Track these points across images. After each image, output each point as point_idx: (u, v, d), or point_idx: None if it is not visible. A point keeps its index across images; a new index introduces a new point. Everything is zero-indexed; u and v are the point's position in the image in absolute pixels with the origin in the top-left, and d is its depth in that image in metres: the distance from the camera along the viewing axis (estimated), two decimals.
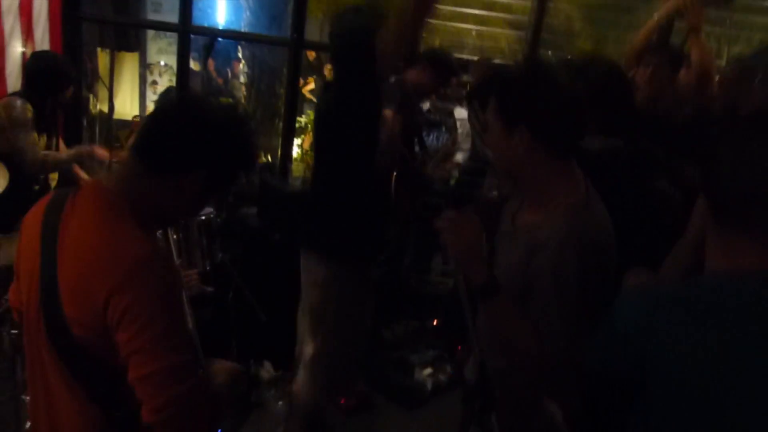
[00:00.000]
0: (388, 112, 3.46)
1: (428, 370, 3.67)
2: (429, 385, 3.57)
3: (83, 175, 3.56)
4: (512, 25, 4.86)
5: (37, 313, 1.29)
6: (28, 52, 3.89)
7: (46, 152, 3.32)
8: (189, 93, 3.66)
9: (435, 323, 4.23)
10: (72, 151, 3.47)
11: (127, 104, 6.68)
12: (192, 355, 1.28)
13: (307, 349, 2.62)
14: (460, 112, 4.71)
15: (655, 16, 2.83)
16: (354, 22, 2.45)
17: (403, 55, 2.55)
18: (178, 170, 1.32)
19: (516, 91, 1.54)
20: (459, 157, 4.66)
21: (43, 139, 3.37)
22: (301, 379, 2.68)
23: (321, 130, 2.63)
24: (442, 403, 3.47)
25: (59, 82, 3.34)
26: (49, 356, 1.30)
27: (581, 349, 1.28)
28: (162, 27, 6.41)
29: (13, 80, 4.01)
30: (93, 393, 1.29)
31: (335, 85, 2.59)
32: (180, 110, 1.38)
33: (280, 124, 5.30)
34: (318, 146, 2.68)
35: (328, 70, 7.18)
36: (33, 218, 1.37)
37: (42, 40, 4.24)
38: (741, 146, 1.06)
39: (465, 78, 4.70)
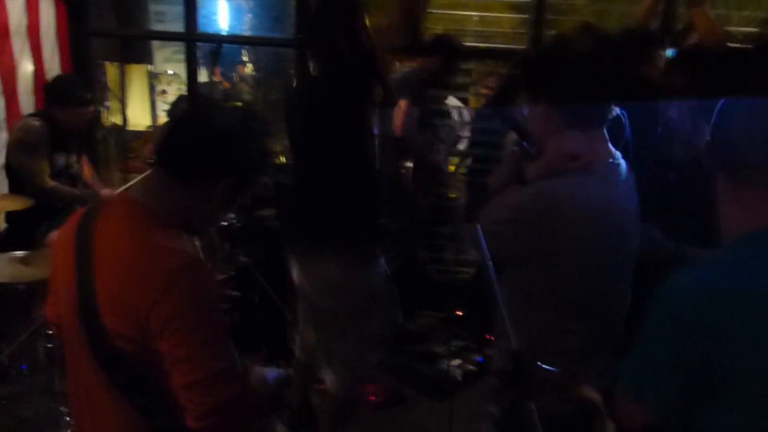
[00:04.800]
0: (403, 103, 3.47)
1: (456, 361, 3.68)
2: (458, 375, 3.58)
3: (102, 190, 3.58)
4: (514, 8, 4.84)
5: (76, 327, 1.31)
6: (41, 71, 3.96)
7: (55, 184, 3.33)
8: (203, 100, 3.69)
9: (459, 314, 4.24)
10: (77, 192, 3.47)
11: (138, 115, 6.72)
12: (233, 362, 1.30)
13: (340, 345, 2.60)
14: (452, 100, 4.69)
15: None
16: (329, 11, 2.42)
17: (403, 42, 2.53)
18: (206, 179, 1.33)
19: (534, 65, 1.64)
20: (462, 145, 4.66)
21: (62, 157, 3.41)
22: (332, 377, 2.66)
23: (308, 124, 2.48)
24: (473, 392, 3.48)
25: (78, 99, 3.39)
26: (90, 368, 1.32)
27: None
28: (169, 37, 6.43)
29: (26, 99, 4.06)
30: (136, 402, 1.31)
31: (321, 76, 2.50)
32: (200, 119, 1.39)
33: None
34: (305, 142, 2.54)
35: None
36: (66, 234, 1.39)
37: (51, 58, 4.28)
38: (754, 103, 1.06)
39: (470, 65, 4.69)
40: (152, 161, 1.43)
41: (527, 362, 1.24)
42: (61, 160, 3.41)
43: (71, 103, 3.36)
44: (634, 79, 2.32)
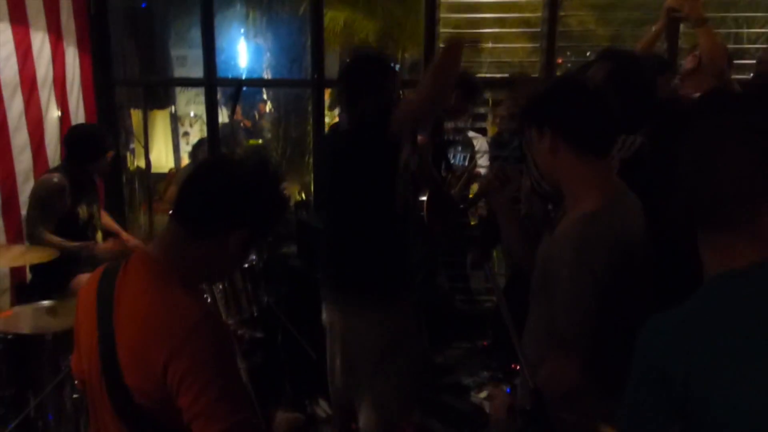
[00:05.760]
0: (420, 138, 3.49)
1: (484, 393, 3.64)
2: (486, 407, 3.53)
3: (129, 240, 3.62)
4: (527, 37, 4.90)
5: (99, 382, 1.33)
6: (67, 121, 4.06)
7: (54, 238, 3.26)
8: (218, 152, 3.74)
9: (485, 344, 4.20)
10: (78, 244, 3.36)
11: (162, 158, 6.87)
12: (251, 412, 1.29)
13: (371, 387, 2.58)
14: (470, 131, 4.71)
15: (653, 28, 2.89)
16: (363, 70, 2.45)
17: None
18: (221, 233, 1.35)
19: (540, 96, 1.63)
20: (482, 171, 4.66)
21: (83, 209, 3.46)
22: (366, 419, 2.63)
23: (335, 178, 2.52)
24: (502, 424, 3.42)
25: (98, 151, 3.43)
26: (113, 422, 1.33)
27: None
28: (189, 83, 6.62)
29: (53, 150, 4.16)
30: None
31: (351, 131, 2.51)
32: (214, 175, 1.41)
33: (310, 161, 5.40)
34: (332, 194, 2.56)
35: None
36: (88, 291, 1.42)
37: (77, 108, 4.40)
38: (700, 142, 1.04)
39: (486, 95, 4.72)
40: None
41: (546, 400, 1.23)
42: (83, 212, 3.46)
43: (93, 156, 3.41)
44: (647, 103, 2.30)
